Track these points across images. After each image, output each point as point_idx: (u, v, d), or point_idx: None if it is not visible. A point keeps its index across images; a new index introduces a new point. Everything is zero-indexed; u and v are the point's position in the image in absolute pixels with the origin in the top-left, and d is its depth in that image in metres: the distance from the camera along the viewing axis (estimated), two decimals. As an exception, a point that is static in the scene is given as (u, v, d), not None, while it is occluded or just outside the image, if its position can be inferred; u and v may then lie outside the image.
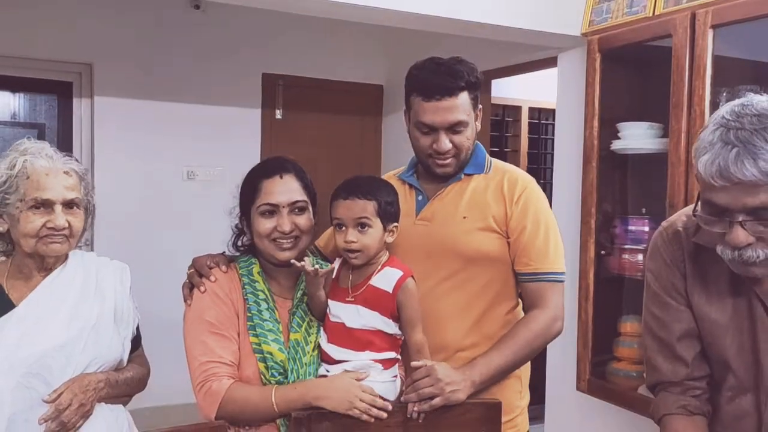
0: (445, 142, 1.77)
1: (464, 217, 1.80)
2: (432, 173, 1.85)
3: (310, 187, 1.73)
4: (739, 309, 1.36)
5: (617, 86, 2.80)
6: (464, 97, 1.76)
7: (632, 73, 2.82)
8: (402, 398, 1.64)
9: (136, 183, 4.11)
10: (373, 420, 1.57)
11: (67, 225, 1.65)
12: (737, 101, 1.24)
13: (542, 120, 5.17)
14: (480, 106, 1.85)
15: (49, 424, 1.58)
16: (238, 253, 1.78)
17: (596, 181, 2.81)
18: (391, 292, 1.66)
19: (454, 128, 1.77)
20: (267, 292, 1.69)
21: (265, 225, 1.66)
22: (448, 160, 1.80)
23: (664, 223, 1.50)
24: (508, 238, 1.81)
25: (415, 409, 1.61)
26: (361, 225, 1.65)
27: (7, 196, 1.62)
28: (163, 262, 3.48)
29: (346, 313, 1.66)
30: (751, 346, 1.35)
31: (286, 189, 1.67)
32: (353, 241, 1.64)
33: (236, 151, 4.20)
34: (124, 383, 1.74)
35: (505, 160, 5.12)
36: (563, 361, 2.99)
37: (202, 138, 4.26)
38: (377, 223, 1.66)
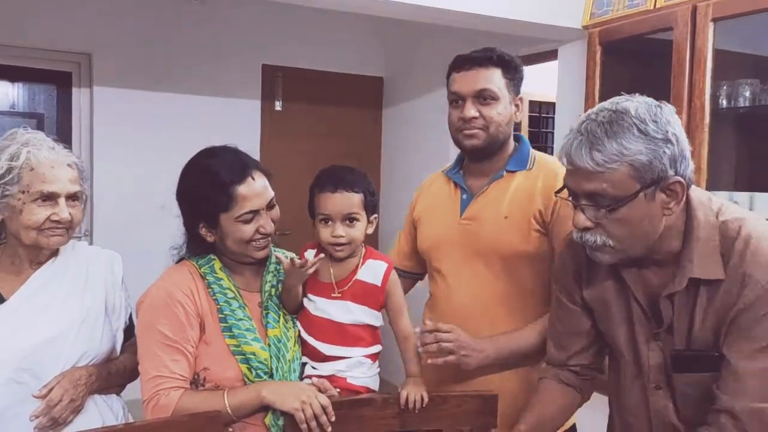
0: (471, 110, 1.76)
1: (505, 217, 1.79)
2: (462, 148, 1.84)
3: (268, 173, 1.67)
4: (622, 301, 1.44)
5: (618, 79, 2.79)
6: (495, 72, 1.77)
7: (633, 66, 2.81)
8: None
9: (134, 173, 4.11)
10: None
11: (70, 218, 1.63)
12: (616, 98, 1.33)
13: (543, 113, 5.16)
14: (520, 96, 1.84)
15: (40, 420, 1.57)
16: (191, 255, 1.69)
17: (596, 175, 2.80)
18: (380, 285, 1.65)
19: (481, 97, 1.76)
20: (234, 289, 1.63)
21: (247, 230, 1.59)
22: (474, 131, 1.78)
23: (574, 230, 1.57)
24: (548, 235, 1.79)
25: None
26: (350, 219, 1.63)
27: (8, 187, 1.58)
28: (161, 252, 3.47)
29: (334, 308, 1.64)
30: (631, 335, 1.43)
31: (261, 190, 1.61)
32: (342, 236, 1.62)
33: (235, 142, 4.13)
34: (116, 374, 1.73)
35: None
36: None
37: (202, 129, 4.22)
38: (364, 216, 1.65)
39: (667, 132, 1.25)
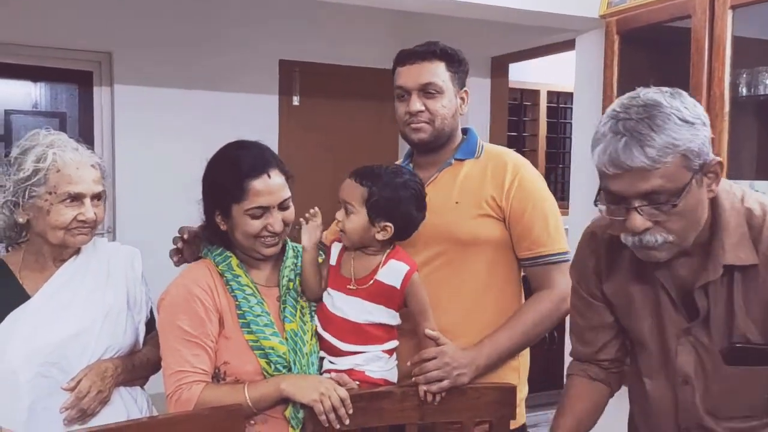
0: (416, 104, 1.79)
1: (456, 203, 1.81)
2: (410, 142, 1.87)
3: (289, 175, 1.69)
4: (648, 294, 1.42)
5: (636, 68, 2.77)
6: (440, 66, 1.80)
7: (651, 54, 2.79)
8: (413, 379, 1.64)
9: (156, 170, 4.15)
10: (327, 425, 1.53)
11: (95, 217, 1.68)
12: (627, 94, 1.30)
13: (561, 104, 5.13)
14: (465, 89, 1.86)
15: (69, 412, 1.61)
16: (210, 246, 1.71)
17: (615, 165, 2.78)
18: (399, 288, 1.65)
19: (426, 91, 1.79)
20: (252, 286, 1.65)
21: (255, 226, 1.61)
22: (420, 124, 1.80)
23: (590, 223, 1.55)
24: (505, 222, 1.80)
25: (425, 388, 1.62)
26: (345, 208, 1.64)
27: (34, 188, 1.62)
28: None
29: (349, 307, 1.64)
30: (658, 329, 1.42)
31: (275, 188, 1.62)
32: (338, 220, 1.66)
33: (254, 137, 4.22)
34: (140, 366, 1.77)
35: (523, 144, 5.09)
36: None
37: (221, 125, 4.26)
38: (361, 212, 1.63)
39: (700, 115, 1.25)
